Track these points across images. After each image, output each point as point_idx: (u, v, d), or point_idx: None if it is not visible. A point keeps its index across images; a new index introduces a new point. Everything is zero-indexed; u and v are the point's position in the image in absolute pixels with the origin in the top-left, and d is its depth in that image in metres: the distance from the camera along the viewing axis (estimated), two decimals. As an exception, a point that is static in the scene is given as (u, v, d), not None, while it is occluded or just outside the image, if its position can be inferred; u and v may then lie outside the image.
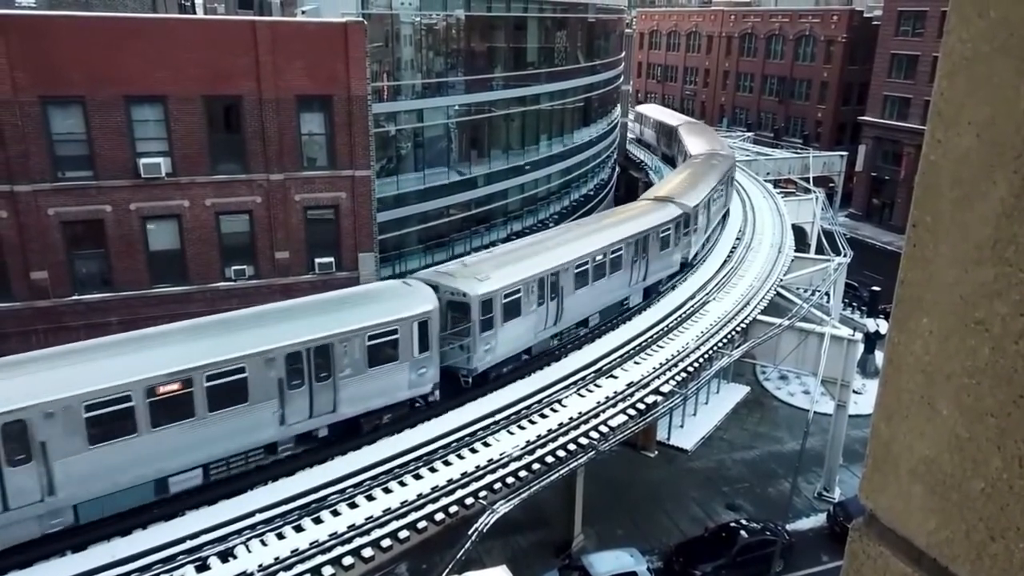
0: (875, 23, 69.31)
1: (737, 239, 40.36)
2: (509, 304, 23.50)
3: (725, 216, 42.55)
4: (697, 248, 35.35)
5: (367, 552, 17.02)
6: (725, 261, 36.77)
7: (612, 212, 35.27)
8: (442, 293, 22.42)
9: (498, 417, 22.21)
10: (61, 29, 23.29)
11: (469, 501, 18.87)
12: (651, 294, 31.66)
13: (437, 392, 22.20)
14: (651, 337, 27.96)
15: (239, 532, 17.04)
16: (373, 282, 26.53)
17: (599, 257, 27.53)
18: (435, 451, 20.52)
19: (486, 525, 18.31)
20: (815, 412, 28.65)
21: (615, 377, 25.05)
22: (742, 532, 26.77)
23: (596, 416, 22.67)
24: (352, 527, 17.49)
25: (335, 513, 18.01)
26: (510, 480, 19.80)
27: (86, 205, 24.24)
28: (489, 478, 19.60)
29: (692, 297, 31.91)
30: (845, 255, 40.31)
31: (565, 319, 26.32)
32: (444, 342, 22.09)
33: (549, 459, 20.74)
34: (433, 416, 21.99)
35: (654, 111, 71.21)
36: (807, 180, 56.73)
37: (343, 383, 19.86)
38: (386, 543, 17.34)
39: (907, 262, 1.47)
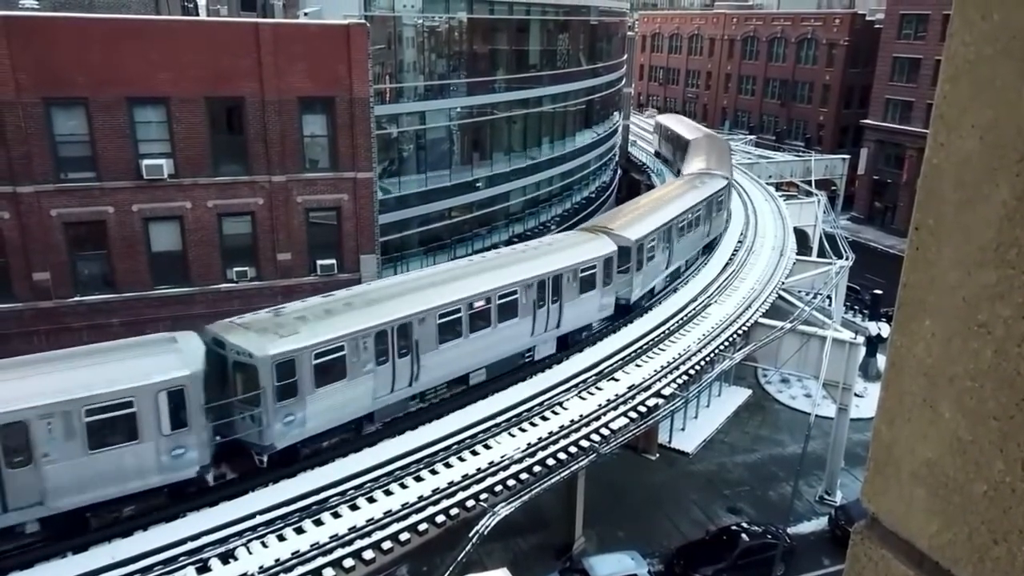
0: (877, 26, 69.33)
1: (739, 242, 40.34)
2: (324, 364, 19.02)
3: (714, 244, 38.37)
4: (643, 289, 30.05)
5: (368, 554, 17.00)
6: (727, 263, 36.76)
7: (532, 244, 28.04)
8: (228, 351, 18.20)
9: (499, 420, 22.21)
10: (64, 30, 23.35)
11: (470, 503, 18.86)
12: (569, 344, 26.72)
13: (210, 475, 18.10)
14: (653, 340, 27.94)
15: (240, 534, 17.02)
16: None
17: (479, 303, 22.82)
18: (435, 454, 20.50)
19: (487, 527, 18.29)
20: (817, 415, 28.60)
21: (616, 380, 25.04)
22: (743, 535, 26.73)
23: (597, 419, 22.65)
24: (353, 529, 17.48)
25: (336, 515, 18.00)
26: (511, 483, 19.79)
27: (88, 206, 24.28)
28: (490, 480, 19.59)
29: (694, 300, 31.90)
30: (847, 258, 40.28)
31: (425, 378, 21.62)
32: (233, 411, 18.24)
33: (550, 462, 20.73)
34: (433, 420, 21.98)
35: (673, 122, 62.94)
36: (809, 183, 56.72)
37: (52, 470, 15.79)
38: (387, 545, 17.33)
39: (909, 264, 1.47)
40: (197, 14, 34.66)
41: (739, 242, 40.35)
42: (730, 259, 37.57)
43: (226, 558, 16.43)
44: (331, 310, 20.13)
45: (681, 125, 60.82)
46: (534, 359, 25.49)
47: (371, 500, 18.57)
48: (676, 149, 55.79)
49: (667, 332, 28.65)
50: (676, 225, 32.60)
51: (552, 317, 25.39)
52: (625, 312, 29.28)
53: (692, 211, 34.44)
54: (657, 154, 64.58)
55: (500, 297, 23.43)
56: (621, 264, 28.00)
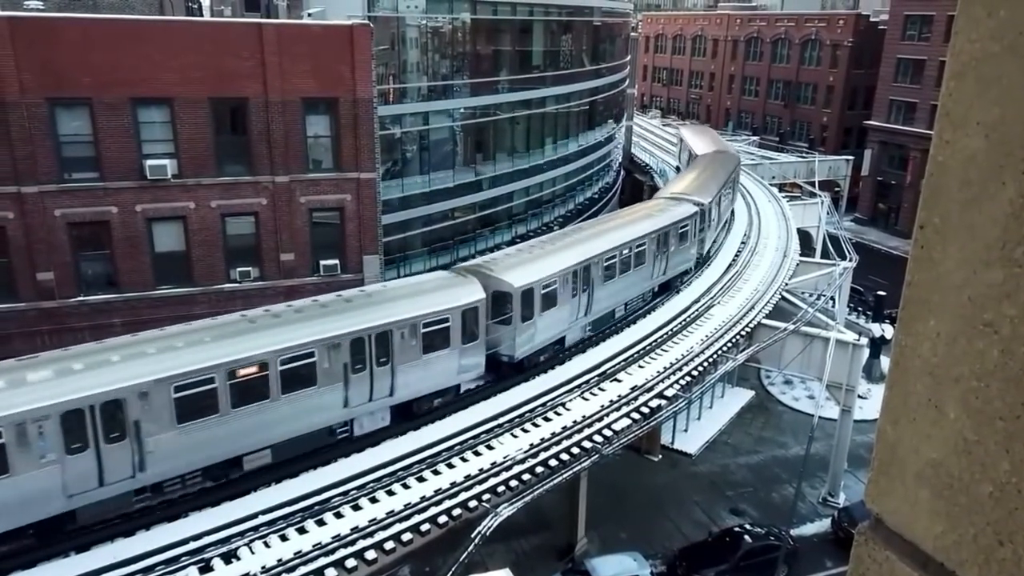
0: (881, 27, 69.22)
1: (742, 243, 40.30)
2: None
3: (673, 284, 33.26)
4: (532, 345, 25.23)
5: (370, 555, 17.01)
6: (730, 265, 36.71)
7: (369, 289, 23.37)
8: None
9: (502, 421, 22.21)
10: (68, 31, 23.40)
11: (472, 504, 18.85)
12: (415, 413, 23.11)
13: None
14: (655, 341, 27.93)
15: (242, 534, 17.05)
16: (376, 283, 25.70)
17: (245, 370, 19.16)
18: (438, 454, 20.51)
19: (489, 528, 18.29)
20: (820, 417, 28.53)
21: (619, 381, 25.02)
22: (746, 537, 26.68)
23: (600, 420, 22.64)
24: (355, 529, 17.49)
25: (338, 515, 18.02)
26: (513, 483, 19.79)
27: (92, 206, 24.33)
28: (492, 481, 19.59)
29: (696, 301, 31.87)
30: (850, 260, 40.21)
31: (158, 468, 18.08)
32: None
33: (552, 462, 20.72)
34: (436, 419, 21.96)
35: (691, 134, 56.58)
36: (812, 184, 56.62)
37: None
38: (389, 545, 17.34)
39: (914, 263, 1.46)
40: (201, 15, 34.73)
41: (742, 243, 40.32)
42: (733, 260, 37.54)
43: (228, 558, 16.45)
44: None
45: (697, 138, 54.15)
46: (352, 435, 20.81)
47: (373, 500, 18.60)
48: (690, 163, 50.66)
49: (670, 333, 28.63)
50: (600, 263, 27.43)
51: (380, 383, 20.82)
52: (512, 371, 24.41)
53: (632, 246, 29.23)
54: (678, 169, 55.98)
55: (285, 361, 18.92)
56: (498, 314, 23.62)
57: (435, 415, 22.12)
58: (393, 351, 20.87)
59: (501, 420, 22.11)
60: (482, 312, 22.81)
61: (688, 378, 25.96)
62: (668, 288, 32.85)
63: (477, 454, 20.72)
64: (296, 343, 19.15)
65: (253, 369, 18.57)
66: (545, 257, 26.03)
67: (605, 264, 27.78)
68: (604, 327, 28.62)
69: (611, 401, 23.62)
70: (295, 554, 16.58)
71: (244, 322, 19.77)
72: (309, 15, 29.73)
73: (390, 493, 18.91)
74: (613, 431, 22.40)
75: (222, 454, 18.43)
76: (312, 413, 19.65)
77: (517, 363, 24.36)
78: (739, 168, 46.44)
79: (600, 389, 24.50)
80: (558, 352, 26.42)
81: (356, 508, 18.31)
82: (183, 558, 16.22)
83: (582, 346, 27.31)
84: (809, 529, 29.50)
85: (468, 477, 19.62)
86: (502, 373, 24.42)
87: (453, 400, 22.89)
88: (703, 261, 35.94)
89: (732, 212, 43.87)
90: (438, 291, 22.65)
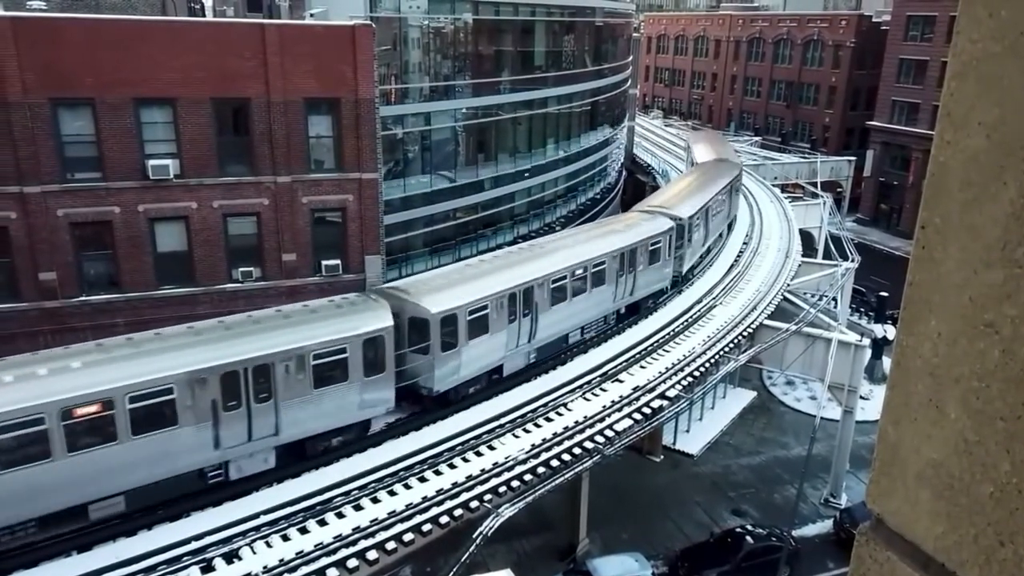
0: (883, 28, 69.16)
1: (744, 244, 40.27)
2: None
3: (641, 306, 31.01)
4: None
5: (372, 555, 17.02)
6: (732, 266, 36.69)
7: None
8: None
9: (504, 421, 22.20)
10: (71, 31, 23.43)
11: (474, 504, 18.86)
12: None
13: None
14: (657, 341, 27.92)
15: (244, 534, 17.07)
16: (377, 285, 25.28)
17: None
18: (440, 454, 20.51)
19: (491, 529, 18.29)
20: (822, 418, 28.52)
21: (621, 381, 25.01)
22: (748, 538, 26.66)
23: (602, 420, 22.63)
24: (357, 529, 17.50)
25: (340, 515, 18.03)
26: (515, 484, 19.79)
27: (95, 206, 24.36)
28: (494, 481, 19.59)
29: (699, 302, 31.84)
30: (852, 260, 40.18)
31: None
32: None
33: (554, 463, 20.72)
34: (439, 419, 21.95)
35: (700, 140, 54.41)
36: (815, 185, 56.57)
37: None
38: (391, 546, 17.35)
39: (915, 264, 1.46)
40: (203, 15, 34.76)
41: (744, 244, 40.30)
42: (735, 261, 37.54)
43: (230, 558, 16.47)
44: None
45: (703, 145, 51.40)
46: (227, 479, 18.85)
47: (375, 500, 18.61)
48: None
49: (672, 334, 28.62)
50: (546, 285, 25.30)
51: (261, 421, 18.81)
52: (436, 405, 22.75)
53: (587, 265, 26.98)
54: None
55: (135, 399, 16.95)
56: (416, 343, 21.76)
57: (329, 458, 19.92)
58: (276, 386, 18.74)
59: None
60: (389, 341, 20.59)
61: (690, 379, 25.91)
62: (636, 310, 30.61)
63: (479, 454, 20.72)
64: (149, 378, 17.07)
65: (94, 408, 16.46)
66: (478, 279, 23.95)
67: (553, 286, 25.64)
68: (553, 354, 26.35)
69: (612, 402, 23.59)
70: (297, 554, 16.59)
71: (97, 352, 17.61)
72: (311, 15, 29.76)
73: (392, 493, 18.91)
74: (615, 431, 22.39)
75: (59, 503, 16.30)
76: (173, 456, 17.57)
77: (441, 396, 22.43)
78: (739, 178, 44.41)
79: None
80: (496, 383, 24.28)
81: (358, 508, 18.32)
82: (185, 558, 16.24)
83: (525, 375, 25.05)
84: (811, 530, 29.47)
85: (469, 477, 19.62)
86: (426, 407, 22.55)
87: (358, 438, 20.89)
88: (683, 280, 33.71)
89: (731, 222, 42.42)
90: (337, 317, 20.48)
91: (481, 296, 22.92)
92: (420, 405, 22.59)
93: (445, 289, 22.86)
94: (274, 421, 18.85)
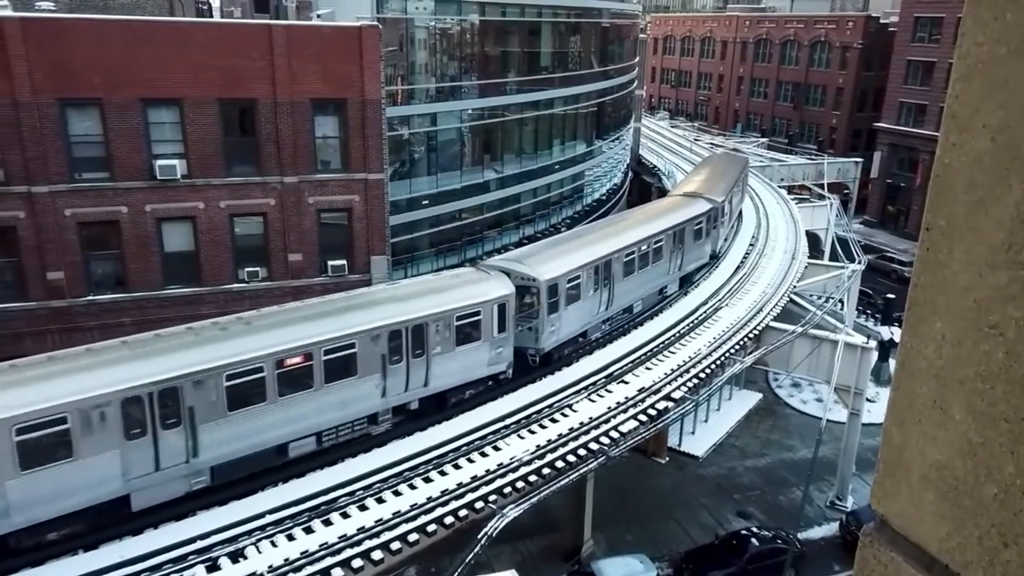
0: (891, 29, 68.95)
1: (750, 245, 40.18)
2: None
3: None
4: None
5: (376, 555, 17.03)
6: (738, 267, 36.61)
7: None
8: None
9: (508, 422, 22.20)
10: (79, 32, 23.54)
11: (479, 505, 18.86)
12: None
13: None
14: (663, 343, 27.88)
15: (249, 533, 17.10)
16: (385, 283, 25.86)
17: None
18: (445, 455, 20.52)
19: (495, 529, 18.29)
20: (828, 420, 28.45)
21: (626, 383, 24.98)
22: (753, 540, 26.59)
23: (607, 421, 22.61)
24: (361, 529, 17.52)
25: (345, 515, 18.05)
26: (520, 484, 19.78)
27: (102, 206, 24.46)
28: (499, 482, 19.58)
29: (704, 303, 31.79)
30: (859, 262, 40.04)
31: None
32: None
33: (559, 464, 20.71)
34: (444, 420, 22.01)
35: (708, 163, 48.43)
36: (821, 187, 56.44)
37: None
38: (395, 546, 17.36)
39: (921, 266, 1.46)
40: (211, 16, 34.87)
41: (750, 245, 40.20)
42: (741, 262, 37.44)
43: (235, 557, 16.50)
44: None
45: (702, 172, 43.19)
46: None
47: (380, 500, 18.62)
48: None
49: (677, 335, 28.57)
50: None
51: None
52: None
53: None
54: None
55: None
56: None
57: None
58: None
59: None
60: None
61: (695, 380, 25.86)
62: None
63: (484, 455, 20.72)
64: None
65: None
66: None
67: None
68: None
69: (617, 403, 23.58)
70: (302, 554, 16.61)
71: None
72: (318, 16, 29.82)
73: (396, 494, 18.92)
74: (620, 433, 22.37)
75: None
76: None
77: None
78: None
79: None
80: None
81: (363, 508, 18.33)
82: (190, 557, 16.28)
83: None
84: (817, 533, 29.39)
85: (474, 478, 19.62)
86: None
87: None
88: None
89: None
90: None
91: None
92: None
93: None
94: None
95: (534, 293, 24.48)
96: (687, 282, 34.06)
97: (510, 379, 24.17)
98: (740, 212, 44.14)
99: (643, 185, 64.31)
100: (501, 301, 23.15)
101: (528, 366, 24.94)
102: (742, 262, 37.43)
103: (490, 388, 23.64)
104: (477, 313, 22.50)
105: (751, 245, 40.20)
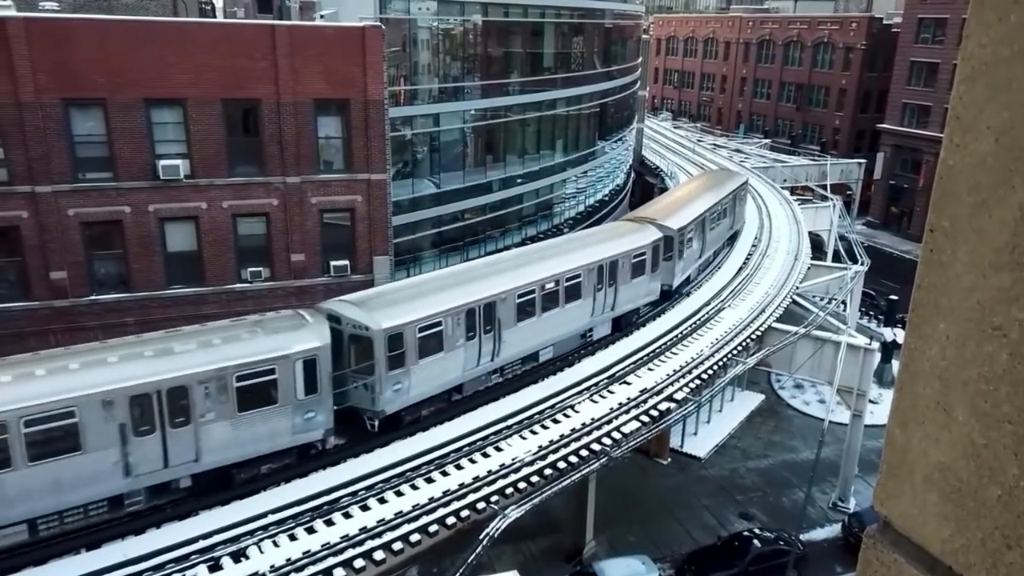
0: (894, 30, 68.86)
1: (753, 245, 40.14)
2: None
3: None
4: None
5: (378, 555, 17.04)
6: (740, 268, 36.57)
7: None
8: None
9: (511, 423, 22.21)
10: (83, 32, 23.59)
11: (481, 506, 18.86)
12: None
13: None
14: (664, 344, 27.86)
15: (251, 533, 17.12)
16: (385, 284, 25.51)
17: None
18: (446, 455, 20.53)
19: (497, 530, 18.28)
20: (831, 421, 28.41)
21: (628, 383, 24.97)
22: (755, 541, 26.57)
23: (609, 422, 22.60)
24: (363, 530, 17.53)
25: (347, 515, 18.07)
26: (522, 485, 19.78)
27: (105, 206, 24.51)
28: (501, 483, 19.59)
29: (707, 304, 31.75)
30: (862, 263, 39.99)
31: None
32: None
33: (561, 465, 20.70)
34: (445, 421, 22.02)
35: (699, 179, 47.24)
36: (824, 187, 56.40)
37: None
38: (397, 546, 17.37)
39: (924, 267, 1.46)
40: (214, 16, 34.92)
41: (753, 246, 40.17)
42: (744, 263, 37.42)
43: (237, 557, 16.52)
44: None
45: (677, 192, 42.26)
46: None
47: (382, 501, 18.63)
48: None
49: (679, 336, 28.56)
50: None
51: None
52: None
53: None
54: None
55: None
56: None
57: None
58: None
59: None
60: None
61: (698, 381, 25.84)
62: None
63: (486, 455, 20.73)
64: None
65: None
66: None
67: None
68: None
69: (619, 404, 23.54)
70: (304, 553, 16.63)
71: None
72: (321, 17, 29.85)
73: (399, 494, 18.94)
74: (622, 433, 22.36)
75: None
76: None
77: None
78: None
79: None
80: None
81: (365, 509, 18.35)
82: (192, 556, 16.30)
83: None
84: (819, 534, 29.35)
85: (476, 479, 19.63)
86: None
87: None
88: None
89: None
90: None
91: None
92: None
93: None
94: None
95: (368, 345, 20.54)
96: (627, 323, 29.39)
97: (341, 446, 20.65)
98: (736, 233, 41.15)
99: (646, 186, 64.29)
100: (308, 355, 19.11)
101: (368, 431, 20.99)
102: (745, 262, 37.40)
103: (313, 457, 20.02)
104: (270, 371, 18.67)
105: (753, 246, 40.16)
